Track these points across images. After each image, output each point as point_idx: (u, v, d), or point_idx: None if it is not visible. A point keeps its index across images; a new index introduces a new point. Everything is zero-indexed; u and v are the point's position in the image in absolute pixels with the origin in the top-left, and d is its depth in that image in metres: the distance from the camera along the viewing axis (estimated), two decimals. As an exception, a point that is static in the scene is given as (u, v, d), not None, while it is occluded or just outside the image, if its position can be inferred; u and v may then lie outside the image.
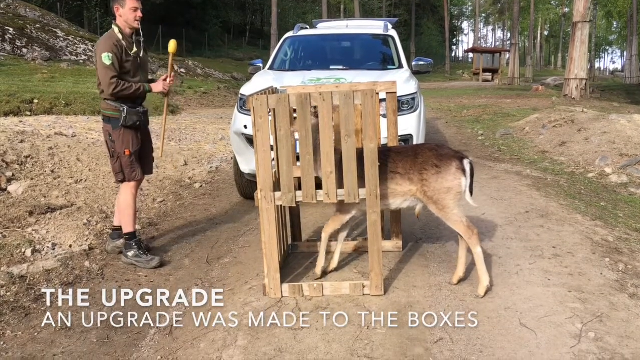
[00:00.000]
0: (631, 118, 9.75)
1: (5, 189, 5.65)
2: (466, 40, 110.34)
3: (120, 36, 4.15)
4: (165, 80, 4.42)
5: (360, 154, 3.50)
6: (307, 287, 3.69)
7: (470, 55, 65.25)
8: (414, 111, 5.53)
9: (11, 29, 22.70)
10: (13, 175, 5.90)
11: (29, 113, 12.35)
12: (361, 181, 3.53)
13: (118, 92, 4.08)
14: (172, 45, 4.51)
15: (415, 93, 5.64)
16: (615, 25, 52.02)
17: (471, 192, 3.63)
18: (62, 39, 24.66)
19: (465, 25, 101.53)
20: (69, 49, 24.25)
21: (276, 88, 4.49)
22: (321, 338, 3.12)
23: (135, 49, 4.23)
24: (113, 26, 4.20)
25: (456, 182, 3.56)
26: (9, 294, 3.68)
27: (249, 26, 53.92)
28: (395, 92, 4.23)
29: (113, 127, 4.18)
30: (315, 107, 3.48)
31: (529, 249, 4.45)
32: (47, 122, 9.59)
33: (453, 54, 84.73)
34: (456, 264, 3.83)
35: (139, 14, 4.18)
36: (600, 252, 4.33)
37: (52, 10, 30.64)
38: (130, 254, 4.30)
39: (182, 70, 27.25)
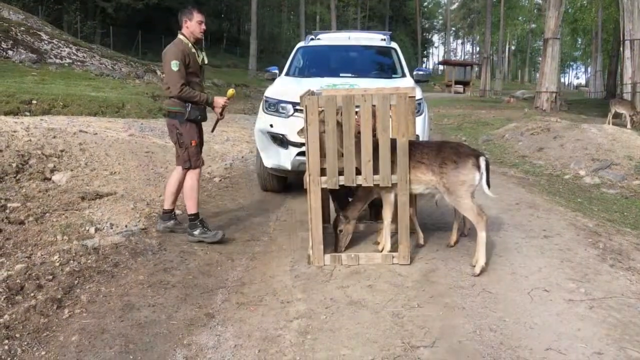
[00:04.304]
0: (601, 127, 10.79)
1: (50, 179, 6.19)
2: (436, 53, 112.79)
3: (189, 45, 4.81)
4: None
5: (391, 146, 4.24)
6: (346, 257, 4.40)
7: (441, 67, 66.99)
8: (421, 114, 6.27)
9: (-3, 31, 22.85)
10: (54, 166, 6.44)
11: (28, 113, 12.66)
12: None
13: (184, 96, 4.72)
14: (230, 93, 5.11)
15: (422, 99, 6.39)
16: (579, 42, 54.12)
17: (488, 185, 4.29)
18: (46, 42, 24.81)
19: (435, 38, 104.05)
20: (53, 52, 24.41)
21: (312, 91, 5.16)
22: (366, 292, 3.83)
23: (201, 56, 4.91)
24: (180, 36, 4.84)
25: (470, 176, 4.25)
26: (89, 261, 4.27)
27: (226, 34, 54.35)
28: (415, 96, 4.95)
29: (179, 121, 4.82)
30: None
31: (524, 231, 5.24)
32: (62, 122, 10.04)
33: (424, 66, 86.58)
34: (452, 233, 4.85)
35: (204, 26, 4.85)
36: (583, 234, 5.14)
37: (34, 13, 30.68)
38: (196, 232, 4.91)
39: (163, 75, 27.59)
